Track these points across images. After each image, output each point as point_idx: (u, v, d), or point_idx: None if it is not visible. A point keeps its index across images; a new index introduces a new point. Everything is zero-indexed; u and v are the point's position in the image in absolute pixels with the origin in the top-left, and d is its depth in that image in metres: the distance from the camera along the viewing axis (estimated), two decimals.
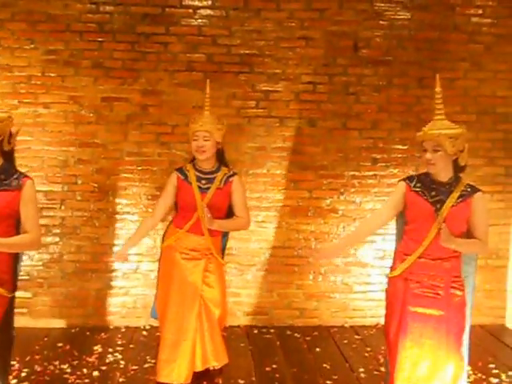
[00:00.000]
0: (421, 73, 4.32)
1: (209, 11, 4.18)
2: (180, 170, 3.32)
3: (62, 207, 4.20)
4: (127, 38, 4.14)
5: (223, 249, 3.48)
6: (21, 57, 4.07)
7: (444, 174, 2.72)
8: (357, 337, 4.21)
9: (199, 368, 3.20)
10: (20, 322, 4.07)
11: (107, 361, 3.65)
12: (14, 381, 3.32)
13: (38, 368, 3.51)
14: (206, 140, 3.19)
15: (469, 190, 2.74)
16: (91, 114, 4.16)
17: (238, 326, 4.33)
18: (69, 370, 3.49)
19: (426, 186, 2.77)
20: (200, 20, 4.18)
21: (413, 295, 2.73)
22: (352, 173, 4.34)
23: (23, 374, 3.42)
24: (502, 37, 4.36)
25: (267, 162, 4.30)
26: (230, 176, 3.31)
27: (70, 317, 4.25)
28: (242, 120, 4.26)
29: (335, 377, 3.49)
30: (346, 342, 4.11)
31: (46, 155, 4.15)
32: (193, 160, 3.34)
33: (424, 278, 2.72)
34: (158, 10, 4.15)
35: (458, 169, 2.74)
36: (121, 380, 3.38)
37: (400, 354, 2.69)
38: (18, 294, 3.99)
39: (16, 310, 4.07)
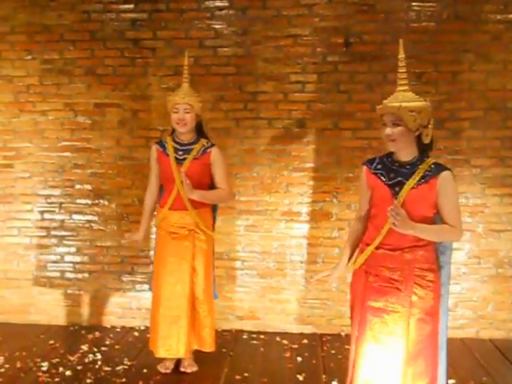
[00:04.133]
0: (420, 67, 4.02)
1: (195, 13, 4.16)
2: (159, 143, 3.48)
3: (61, 210, 4.38)
4: (117, 44, 4.22)
5: (214, 220, 3.59)
6: (20, 67, 4.28)
7: (406, 152, 2.48)
8: (347, 347, 4.02)
9: (181, 354, 3.41)
10: (24, 318, 4.40)
11: (86, 360, 3.75)
12: None
13: (18, 364, 3.67)
14: (186, 112, 3.29)
15: (433, 169, 2.46)
16: (85, 120, 4.30)
17: (230, 331, 4.30)
18: (45, 368, 3.60)
19: (386, 167, 2.54)
20: (186, 23, 4.17)
21: (371, 289, 2.54)
22: (345, 175, 4.14)
23: (2, 370, 3.58)
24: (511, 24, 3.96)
25: (256, 164, 4.21)
26: (208, 147, 3.37)
27: (69, 315, 4.43)
28: (230, 122, 4.20)
29: None
30: (333, 352, 3.93)
31: (45, 161, 4.34)
32: (172, 132, 3.43)
33: (382, 270, 2.51)
34: (145, 15, 4.19)
35: (422, 147, 2.47)
36: (88, 381, 3.44)
37: (358, 348, 2.54)
38: (23, 292, 4.29)
39: (21, 308, 4.42)
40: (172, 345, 3.38)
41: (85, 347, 3.97)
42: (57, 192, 4.36)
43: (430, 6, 4.00)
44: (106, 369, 3.62)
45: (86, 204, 4.35)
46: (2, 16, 4.27)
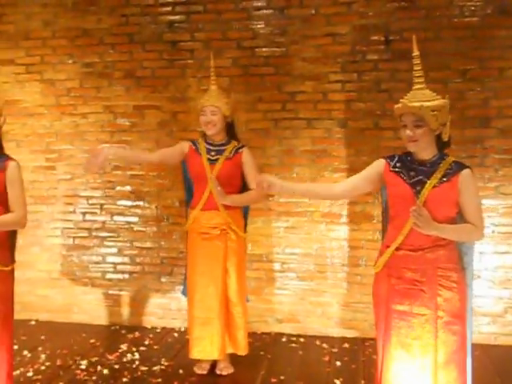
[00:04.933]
0: (463, 64, 3.88)
1: (232, 14, 4.14)
2: (192, 141, 3.48)
3: (102, 212, 4.44)
4: (155, 47, 4.26)
5: (245, 221, 3.57)
6: (62, 71, 4.38)
7: (427, 151, 2.42)
8: None
9: (215, 356, 3.41)
10: (67, 317, 4.49)
11: (124, 360, 3.79)
12: (31, 373, 3.55)
13: (59, 362, 3.74)
14: (213, 114, 3.28)
15: (454, 167, 2.40)
16: (125, 123, 4.35)
17: (269, 333, 4.26)
18: (84, 367, 3.66)
19: (405, 165, 2.47)
20: (223, 24, 4.16)
21: (395, 292, 2.45)
22: None
23: (42, 367, 3.65)
24: None
25: (295, 165, 4.16)
26: (239, 148, 3.39)
27: (110, 315, 4.49)
28: (268, 123, 4.16)
29: None
30: (375, 357, 3.79)
31: None
32: (204, 134, 3.45)
33: (405, 272, 2.43)
34: (182, 17, 4.21)
35: (441, 145, 2.42)
36: (124, 380, 3.47)
37: (386, 355, 2.45)
38: (66, 292, 4.37)
39: (64, 307, 4.51)
40: (205, 346, 3.38)
41: (124, 347, 4.02)
42: (98, 193, 4.43)
43: (473, 1, 3.86)
44: (143, 368, 3.65)
45: (127, 205, 4.40)
46: (44, 21, 4.37)
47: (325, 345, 4.05)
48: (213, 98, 3.28)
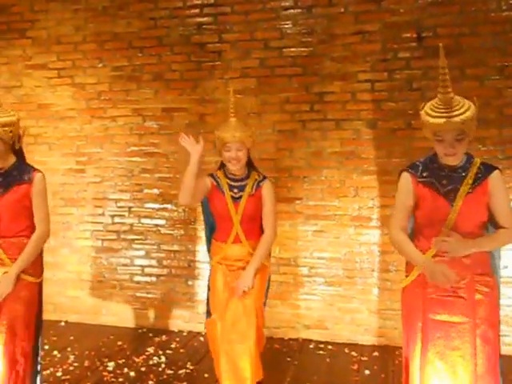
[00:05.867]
0: (501, 60, 3.71)
1: (259, 15, 4.09)
2: (212, 176, 3.26)
3: (131, 214, 4.46)
4: (183, 49, 4.25)
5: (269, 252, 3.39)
6: (92, 75, 4.42)
7: (459, 158, 2.33)
8: None
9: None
10: (96, 319, 4.52)
11: (150, 362, 3.78)
12: (60, 373, 3.59)
13: (86, 363, 3.77)
14: (239, 150, 3.11)
15: (483, 170, 2.32)
16: (153, 125, 4.36)
17: (297, 340, 4.17)
18: (111, 368, 3.68)
19: (434, 173, 2.36)
20: (251, 25, 4.11)
21: (431, 301, 2.34)
22: None
23: (71, 368, 3.69)
24: None
25: (324, 167, 4.06)
26: (261, 181, 3.24)
27: (137, 318, 4.49)
28: (296, 124, 4.08)
29: None
30: None
31: (115, 165, 4.45)
32: (222, 166, 3.30)
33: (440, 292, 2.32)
34: (210, 19, 4.18)
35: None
36: (150, 383, 3.46)
37: (423, 369, 2.33)
38: (95, 294, 4.43)
39: (93, 309, 4.54)
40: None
41: (151, 350, 4.01)
42: (126, 196, 4.44)
43: None
44: (169, 372, 3.63)
45: (154, 208, 4.40)
46: (75, 26, 4.44)
47: (353, 353, 3.93)
48: (237, 132, 3.10)
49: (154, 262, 4.43)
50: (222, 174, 3.23)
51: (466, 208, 2.29)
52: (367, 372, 3.60)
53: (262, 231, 3.32)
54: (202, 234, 4.27)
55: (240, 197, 3.18)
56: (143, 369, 3.67)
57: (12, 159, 2.84)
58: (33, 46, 4.54)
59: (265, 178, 3.27)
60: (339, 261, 4.08)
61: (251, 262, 3.10)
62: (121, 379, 3.52)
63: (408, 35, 3.85)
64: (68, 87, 4.49)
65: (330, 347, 4.03)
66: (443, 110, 2.20)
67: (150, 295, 4.46)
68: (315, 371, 3.63)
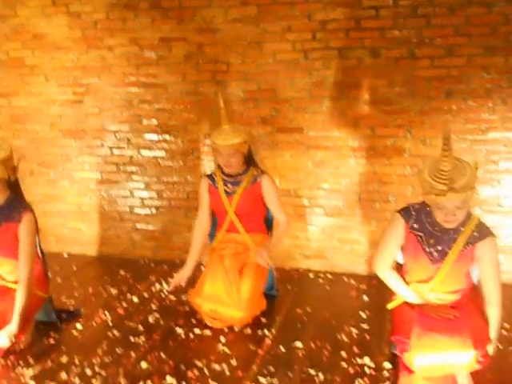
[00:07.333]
0: None
1: None
2: (209, 176, 3.42)
3: (130, 146, 4.42)
4: None
5: (270, 226, 3.54)
6: (87, 3, 4.26)
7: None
8: None
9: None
10: (97, 250, 4.57)
11: (153, 289, 3.85)
12: (64, 298, 3.66)
13: (90, 290, 3.84)
14: (231, 156, 3.19)
15: (477, 233, 2.37)
16: (151, 55, 4.26)
17: (297, 270, 4.23)
18: (115, 294, 3.76)
19: (425, 228, 2.43)
20: None
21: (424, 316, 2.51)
22: (420, 107, 3.84)
23: (75, 294, 3.76)
24: None
25: (325, 98, 4.00)
26: (258, 176, 3.31)
27: (139, 249, 4.54)
28: (297, 54, 3.98)
29: (365, 326, 3.24)
30: None
31: (113, 96, 4.37)
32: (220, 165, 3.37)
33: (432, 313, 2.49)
34: None
35: None
36: (153, 307, 3.54)
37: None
38: (96, 225, 4.58)
39: (95, 240, 4.59)
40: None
41: (152, 278, 4.08)
42: (125, 127, 4.40)
43: None
44: (172, 298, 3.69)
45: (153, 140, 4.36)
46: None
47: (352, 281, 4.01)
48: (229, 141, 3.11)
49: (153, 194, 4.44)
50: (219, 172, 3.36)
51: (453, 268, 2.41)
52: (365, 298, 3.68)
53: (266, 225, 3.50)
54: (201, 165, 4.28)
55: (234, 191, 3.31)
56: (146, 295, 3.75)
57: (6, 194, 2.86)
58: None
59: (263, 173, 3.34)
60: (339, 192, 4.10)
61: (269, 241, 3.32)
62: (124, 304, 3.59)
63: None
64: (63, 16, 4.34)
65: (329, 276, 4.11)
66: (445, 182, 2.19)
67: (150, 227, 4.50)
68: (315, 297, 3.72)
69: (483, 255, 2.39)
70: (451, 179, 2.18)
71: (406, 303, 2.61)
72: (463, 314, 2.42)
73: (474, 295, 2.55)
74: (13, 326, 2.78)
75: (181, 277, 3.37)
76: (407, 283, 2.58)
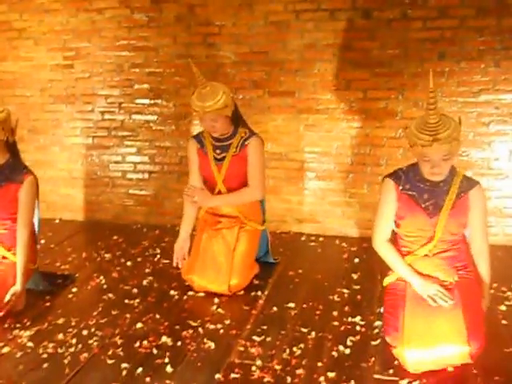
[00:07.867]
0: None
1: None
2: (197, 138, 3.31)
3: (121, 110, 4.40)
4: None
5: (263, 215, 3.46)
6: None
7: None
8: None
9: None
10: (89, 216, 4.58)
11: (146, 254, 3.88)
12: (58, 263, 3.67)
13: (84, 255, 3.86)
14: (214, 121, 3.07)
15: (465, 184, 2.45)
16: (142, 18, 4.20)
17: (288, 233, 4.28)
18: (108, 259, 3.78)
19: (416, 186, 2.47)
20: None
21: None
22: (413, 70, 3.84)
23: (69, 259, 3.77)
24: None
25: (317, 60, 3.98)
26: (247, 139, 3.21)
27: (131, 214, 4.56)
28: (289, 15, 3.96)
29: (356, 287, 3.30)
30: None
31: (104, 60, 4.33)
32: None
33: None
34: None
35: None
36: (147, 271, 3.58)
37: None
38: (87, 191, 4.60)
39: (86, 206, 4.59)
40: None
41: (145, 243, 4.10)
42: (116, 92, 4.36)
43: None
44: (164, 261, 3.72)
45: (145, 104, 4.33)
46: None
47: (344, 244, 4.06)
48: (209, 105, 2.97)
49: (146, 159, 4.44)
50: (207, 134, 3.25)
51: (447, 223, 2.43)
52: (356, 260, 3.74)
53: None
54: (193, 129, 4.27)
55: (223, 158, 3.20)
56: (139, 259, 3.77)
57: (5, 155, 2.87)
58: None
59: (252, 134, 3.23)
60: (331, 155, 4.11)
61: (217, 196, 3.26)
62: (118, 268, 3.61)
63: None
64: None
65: (321, 239, 4.16)
66: (430, 133, 2.25)
67: (142, 192, 4.51)
68: (307, 259, 3.77)
69: (475, 203, 2.45)
70: (436, 130, 2.25)
71: (400, 283, 2.60)
72: (460, 299, 2.40)
73: (472, 273, 2.57)
74: (17, 286, 2.83)
75: (180, 246, 3.34)
76: (408, 253, 2.56)
